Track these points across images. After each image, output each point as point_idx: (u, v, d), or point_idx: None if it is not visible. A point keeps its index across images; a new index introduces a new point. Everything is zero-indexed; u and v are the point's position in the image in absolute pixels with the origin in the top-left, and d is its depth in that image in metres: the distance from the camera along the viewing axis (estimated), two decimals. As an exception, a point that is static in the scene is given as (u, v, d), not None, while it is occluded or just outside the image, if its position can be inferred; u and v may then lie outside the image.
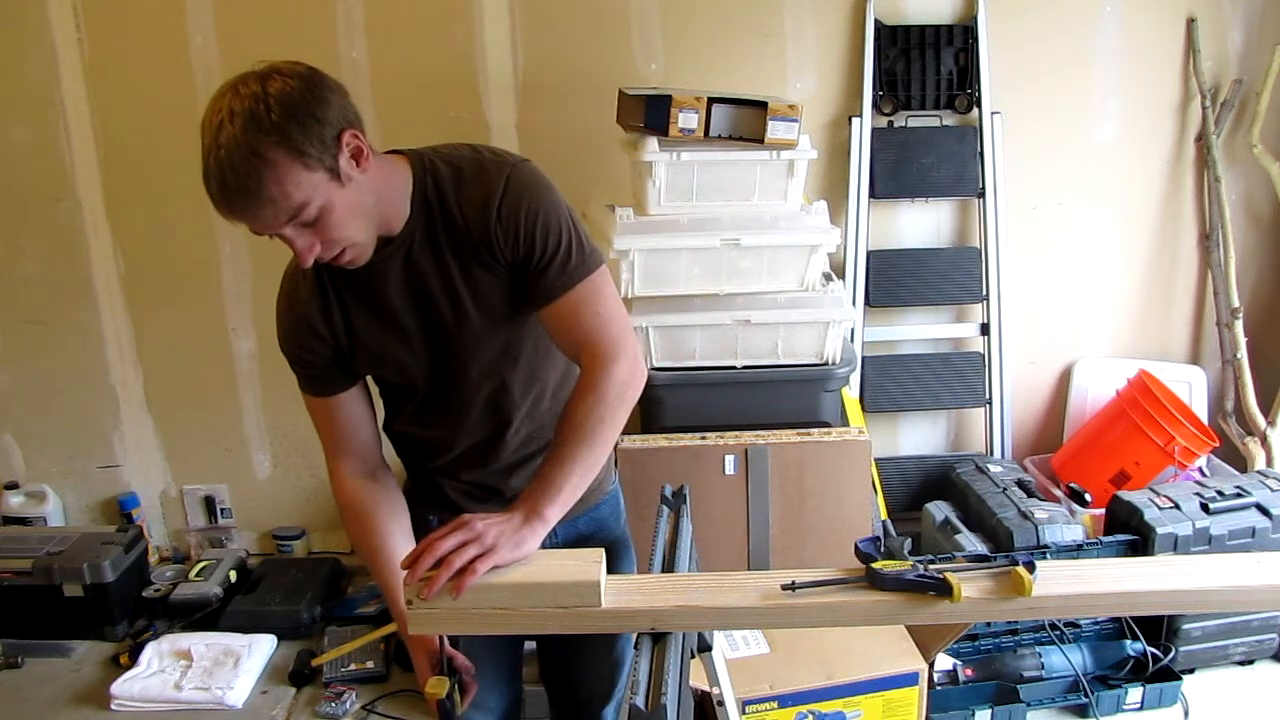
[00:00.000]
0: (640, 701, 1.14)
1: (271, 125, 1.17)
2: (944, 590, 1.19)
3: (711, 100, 2.42)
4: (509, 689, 1.73)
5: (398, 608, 1.41)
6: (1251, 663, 2.62)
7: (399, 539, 1.47)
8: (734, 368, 2.52)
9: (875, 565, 1.23)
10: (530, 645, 1.84)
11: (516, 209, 1.34)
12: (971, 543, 2.64)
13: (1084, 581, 1.24)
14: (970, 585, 1.21)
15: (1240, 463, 3.01)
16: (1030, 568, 1.20)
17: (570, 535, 1.59)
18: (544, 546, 1.30)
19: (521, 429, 1.53)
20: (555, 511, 1.29)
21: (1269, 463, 2.96)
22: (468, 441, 1.52)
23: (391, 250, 1.37)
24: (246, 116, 1.17)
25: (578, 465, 1.32)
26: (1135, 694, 2.45)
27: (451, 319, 1.40)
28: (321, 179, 1.22)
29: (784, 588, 1.23)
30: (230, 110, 1.18)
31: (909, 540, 1.32)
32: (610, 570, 1.26)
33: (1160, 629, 2.52)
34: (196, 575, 3.00)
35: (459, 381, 1.47)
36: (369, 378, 1.53)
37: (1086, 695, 2.42)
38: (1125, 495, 2.55)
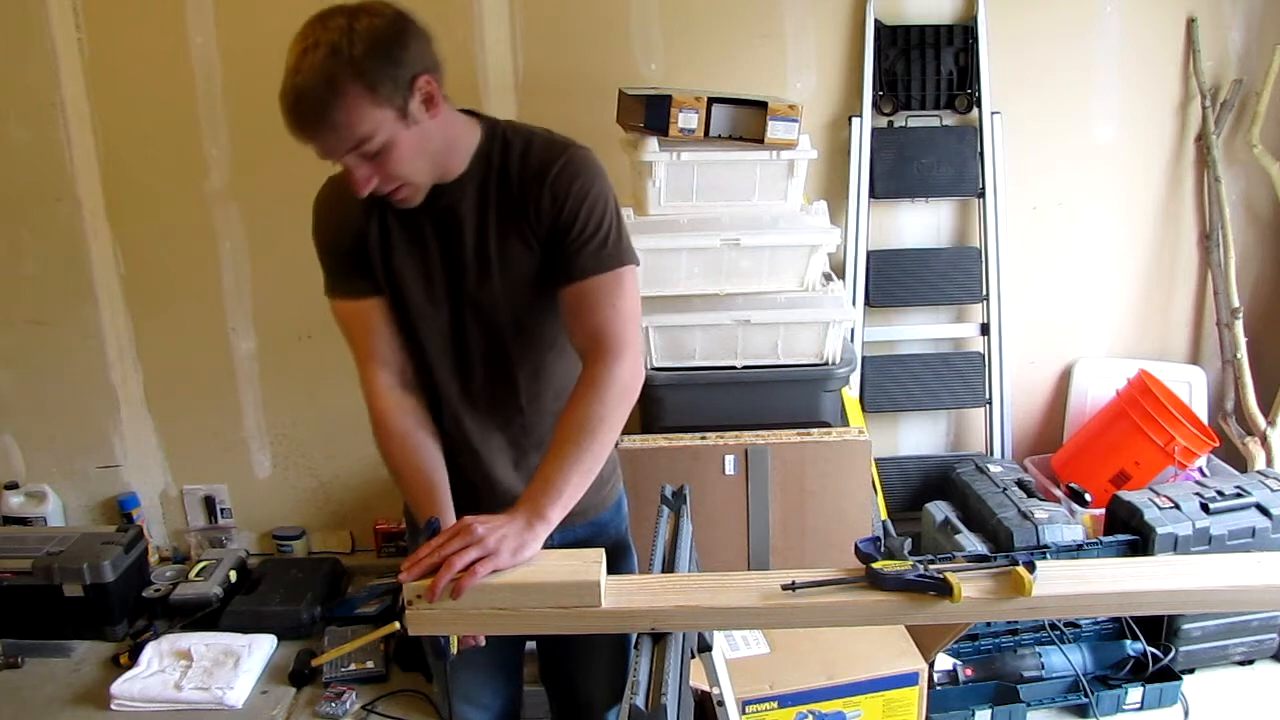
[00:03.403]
0: (640, 701, 1.14)
1: (350, 59, 1.23)
2: (944, 590, 1.19)
3: (711, 100, 2.42)
4: (507, 687, 1.73)
5: (424, 516, 1.41)
6: (1251, 663, 2.62)
7: (435, 460, 1.47)
8: (734, 368, 2.52)
9: (875, 565, 1.23)
10: (531, 645, 1.84)
11: (570, 181, 1.38)
12: (971, 543, 2.64)
13: (1084, 581, 1.24)
14: (970, 585, 1.21)
15: (1240, 463, 3.01)
16: (1030, 568, 1.20)
17: (567, 540, 1.58)
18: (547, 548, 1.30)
19: (515, 422, 1.52)
20: (557, 513, 1.29)
21: (1269, 463, 2.96)
22: (457, 390, 1.51)
23: (438, 195, 1.40)
24: (329, 47, 1.24)
25: (579, 465, 1.33)
26: (1135, 694, 2.45)
27: (475, 275, 1.42)
28: (389, 117, 1.26)
29: (784, 588, 1.23)
30: (316, 40, 1.25)
31: (909, 540, 1.32)
32: (609, 573, 1.26)
33: (1160, 629, 2.52)
34: (196, 575, 3.00)
35: (464, 344, 1.47)
36: None
37: (1086, 695, 2.42)
38: (1125, 495, 2.55)
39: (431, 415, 1.52)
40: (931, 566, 1.22)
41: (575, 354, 1.45)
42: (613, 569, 1.51)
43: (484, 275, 1.42)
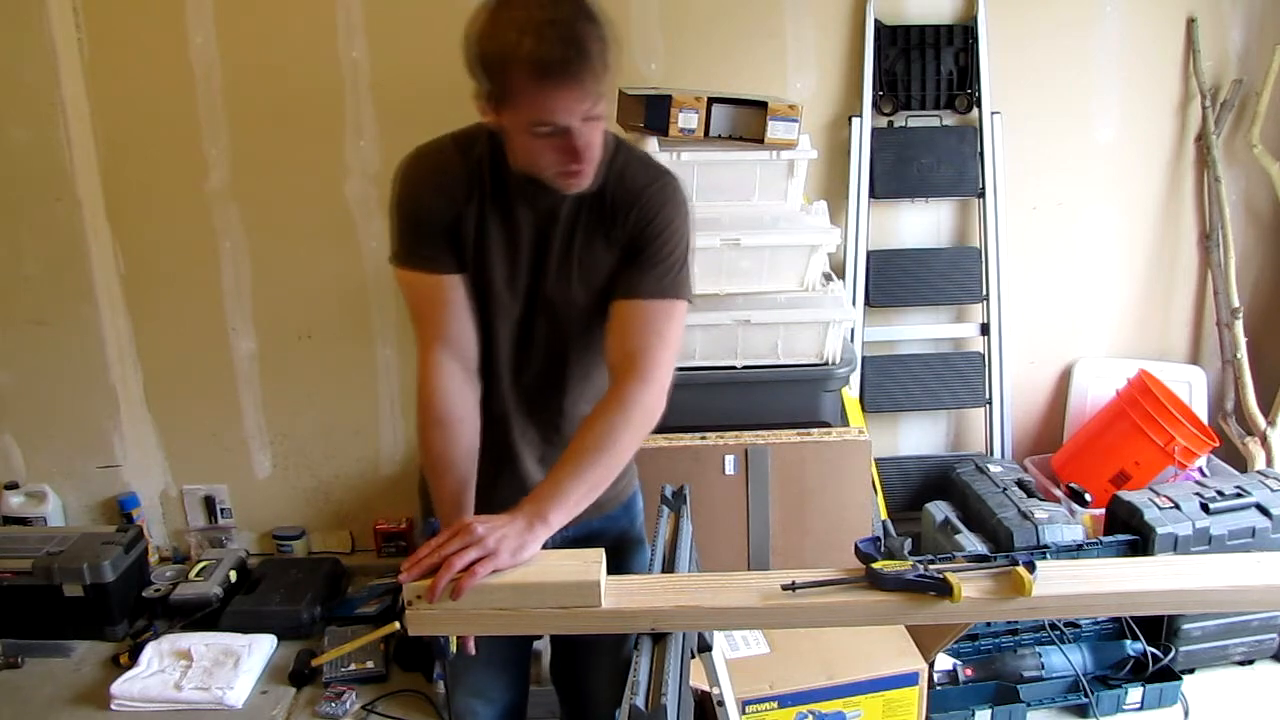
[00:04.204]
0: (640, 702, 1.14)
1: (591, 9, 1.27)
2: (944, 590, 1.19)
3: (711, 100, 2.42)
4: (515, 682, 1.73)
5: (444, 508, 1.43)
6: (1251, 663, 2.62)
7: (473, 457, 1.47)
8: (734, 368, 2.52)
9: (875, 565, 1.23)
10: (539, 644, 1.84)
11: (661, 204, 1.43)
12: (971, 543, 2.64)
13: (1084, 581, 1.24)
14: (970, 585, 1.21)
15: (1240, 463, 3.01)
16: (1030, 568, 1.20)
17: (581, 533, 1.59)
18: (554, 543, 1.30)
19: (553, 420, 1.55)
20: (559, 518, 1.30)
21: (1269, 463, 2.96)
22: (506, 379, 1.52)
23: (544, 195, 1.41)
24: (579, 7, 1.25)
25: (590, 476, 1.34)
26: (1135, 694, 2.45)
27: (556, 276, 1.45)
28: (605, 92, 1.30)
29: (784, 588, 1.23)
30: (559, 2, 1.25)
31: (909, 540, 1.32)
32: (621, 569, 1.26)
33: (1160, 629, 2.52)
34: (196, 575, 3.00)
35: (530, 338, 1.49)
36: None
37: (1086, 695, 2.42)
38: (1125, 495, 2.55)
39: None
40: (931, 566, 1.22)
41: None
42: (626, 565, 1.50)
43: (564, 277, 1.45)
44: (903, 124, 2.98)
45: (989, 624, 2.45)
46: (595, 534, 1.58)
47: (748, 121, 2.43)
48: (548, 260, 1.45)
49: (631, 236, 1.42)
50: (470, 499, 1.45)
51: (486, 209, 1.44)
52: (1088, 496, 2.78)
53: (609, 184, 1.42)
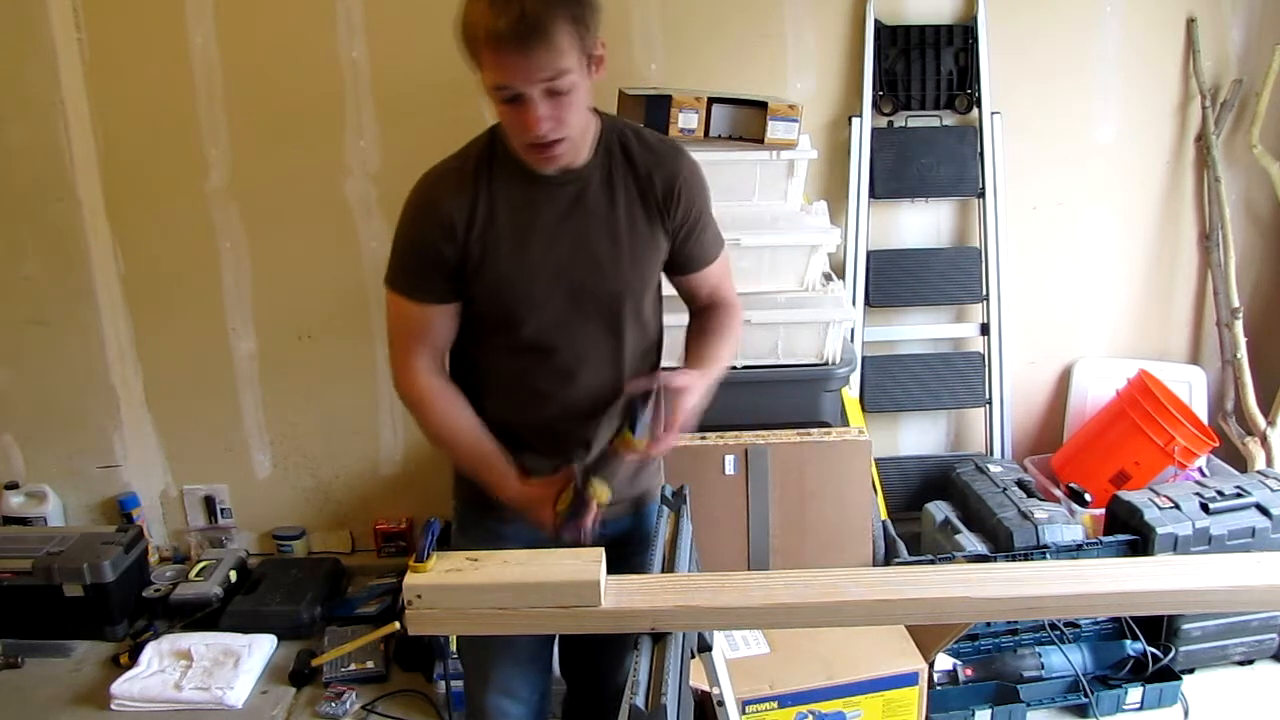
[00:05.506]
0: (640, 701, 1.14)
1: (578, 2, 1.34)
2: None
3: (711, 100, 2.42)
4: (542, 680, 1.74)
5: (492, 475, 1.52)
6: (1251, 663, 2.62)
7: (480, 425, 1.54)
8: (734, 368, 2.51)
9: None
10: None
11: (697, 183, 1.57)
12: (971, 543, 2.64)
13: (1084, 581, 1.25)
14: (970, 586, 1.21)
15: (1240, 463, 3.01)
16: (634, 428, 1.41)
17: (617, 530, 1.62)
18: (595, 542, 1.33)
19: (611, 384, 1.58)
20: (702, 386, 1.50)
21: (1269, 463, 2.96)
22: (556, 390, 1.56)
23: (568, 179, 1.48)
24: None
25: (713, 371, 1.55)
26: (1135, 694, 2.45)
27: (608, 257, 1.51)
28: (580, 59, 1.35)
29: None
30: None
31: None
32: (642, 568, 1.27)
33: (1160, 629, 2.52)
34: (196, 575, 3.00)
35: (581, 321, 1.53)
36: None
37: (1086, 695, 2.42)
38: (1125, 495, 2.55)
39: (518, 390, 1.57)
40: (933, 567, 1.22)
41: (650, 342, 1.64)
42: (645, 563, 1.51)
43: (616, 251, 1.52)
44: (903, 124, 2.98)
45: (989, 624, 2.45)
46: (628, 531, 1.63)
47: (748, 121, 2.43)
48: (591, 237, 1.50)
49: (680, 219, 1.55)
50: (502, 457, 1.53)
51: (495, 214, 1.46)
52: (1088, 496, 2.78)
53: (635, 160, 1.51)
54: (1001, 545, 2.53)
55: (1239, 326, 3.01)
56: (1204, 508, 2.46)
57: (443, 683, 2.50)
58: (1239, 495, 2.50)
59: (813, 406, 2.54)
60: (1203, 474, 2.90)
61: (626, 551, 1.57)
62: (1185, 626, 2.51)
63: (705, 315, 1.66)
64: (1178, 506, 2.47)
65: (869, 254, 3.02)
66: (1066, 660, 2.45)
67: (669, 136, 1.63)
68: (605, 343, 1.54)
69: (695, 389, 1.48)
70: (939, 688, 2.37)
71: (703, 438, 2.47)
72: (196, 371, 3.13)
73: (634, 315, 1.56)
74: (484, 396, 1.56)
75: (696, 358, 1.57)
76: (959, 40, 2.92)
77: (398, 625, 1.27)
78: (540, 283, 1.48)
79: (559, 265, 1.48)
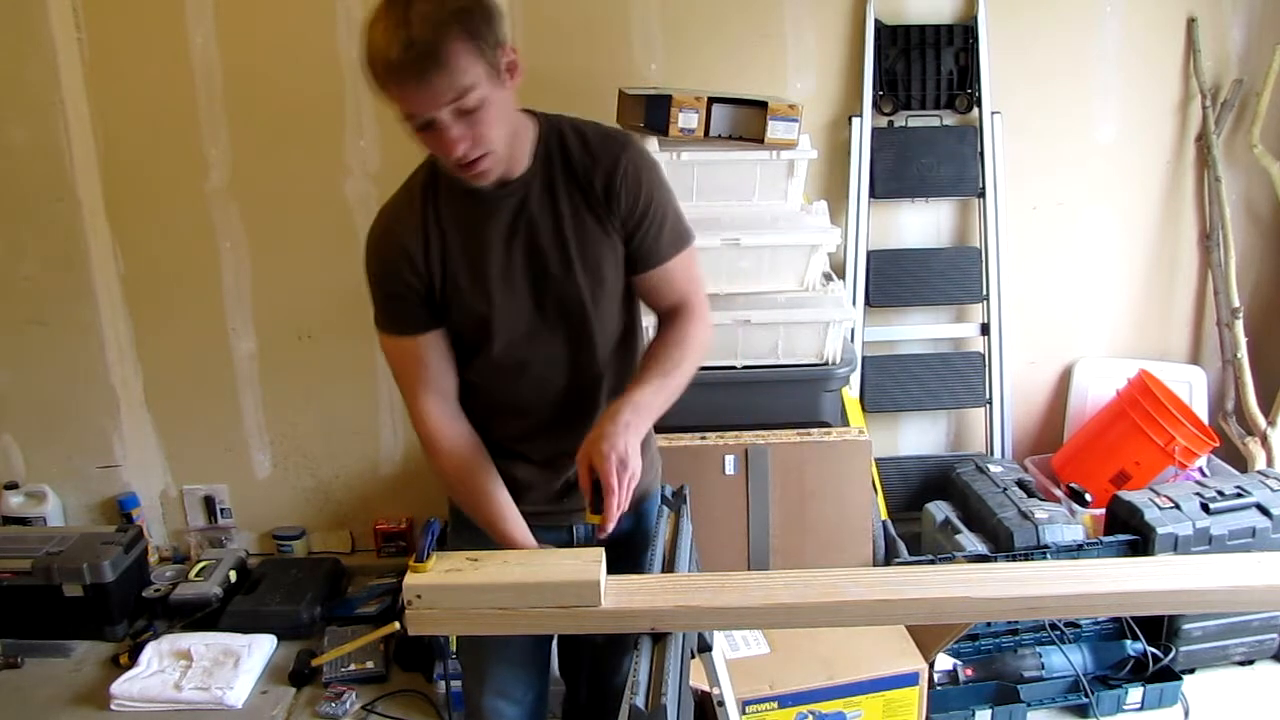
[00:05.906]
0: (640, 701, 1.14)
1: (455, 10, 1.27)
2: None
3: (711, 100, 2.42)
4: (539, 681, 1.74)
5: (508, 539, 1.48)
6: (1251, 663, 2.62)
7: (497, 476, 1.52)
8: (734, 368, 2.52)
9: None
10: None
11: (640, 175, 1.47)
12: (972, 543, 2.64)
13: (1084, 581, 1.25)
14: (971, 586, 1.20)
15: (1240, 463, 3.01)
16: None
17: (618, 530, 1.60)
18: (599, 542, 1.32)
19: (597, 398, 1.56)
20: (643, 427, 1.37)
21: (1269, 463, 2.95)
22: (538, 400, 1.55)
23: (508, 192, 1.45)
24: (434, 1, 1.27)
25: (660, 398, 1.42)
26: (1135, 694, 2.45)
27: (558, 262, 1.47)
28: (486, 72, 1.30)
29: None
30: (410, 1, 1.26)
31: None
32: (642, 567, 1.26)
33: (1160, 629, 2.52)
34: (196, 575, 3.00)
35: (550, 330, 1.51)
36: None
37: (1087, 695, 2.42)
38: (1125, 495, 2.55)
39: (496, 411, 1.56)
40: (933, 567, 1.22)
41: (631, 355, 1.58)
42: (642, 562, 1.50)
43: (566, 261, 1.47)
44: (903, 124, 2.98)
45: (989, 624, 2.45)
46: (628, 532, 1.61)
47: (748, 121, 2.43)
48: (540, 249, 1.46)
49: (627, 214, 1.47)
50: (517, 514, 1.51)
51: (447, 236, 1.46)
52: (1088, 496, 2.78)
53: (574, 162, 1.46)
54: (1002, 545, 2.53)
55: (1239, 326, 3.01)
56: (1204, 508, 2.46)
57: (443, 683, 2.50)
58: (1239, 495, 2.50)
59: (813, 406, 2.54)
60: (1203, 474, 2.90)
61: (626, 551, 1.57)
62: (1186, 627, 2.51)
63: (664, 323, 1.55)
64: (1178, 506, 2.46)
65: (869, 254, 3.02)
66: (1067, 660, 2.45)
67: (616, 128, 1.54)
68: (576, 348, 1.53)
69: (626, 438, 1.34)
70: (939, 688, 2.37)
71: (703, 438, 2.47)
72: (196, 371, 3.13)
73: (600, 317, 1.52)
74: (471, 415, 1.56)
75: (644, 375, 1.45)
76: (959, 40, 2.92)
77: (398, 625, 1.27)
78: (500, 295, 1.47)
79: (515, 276, 1.47)
